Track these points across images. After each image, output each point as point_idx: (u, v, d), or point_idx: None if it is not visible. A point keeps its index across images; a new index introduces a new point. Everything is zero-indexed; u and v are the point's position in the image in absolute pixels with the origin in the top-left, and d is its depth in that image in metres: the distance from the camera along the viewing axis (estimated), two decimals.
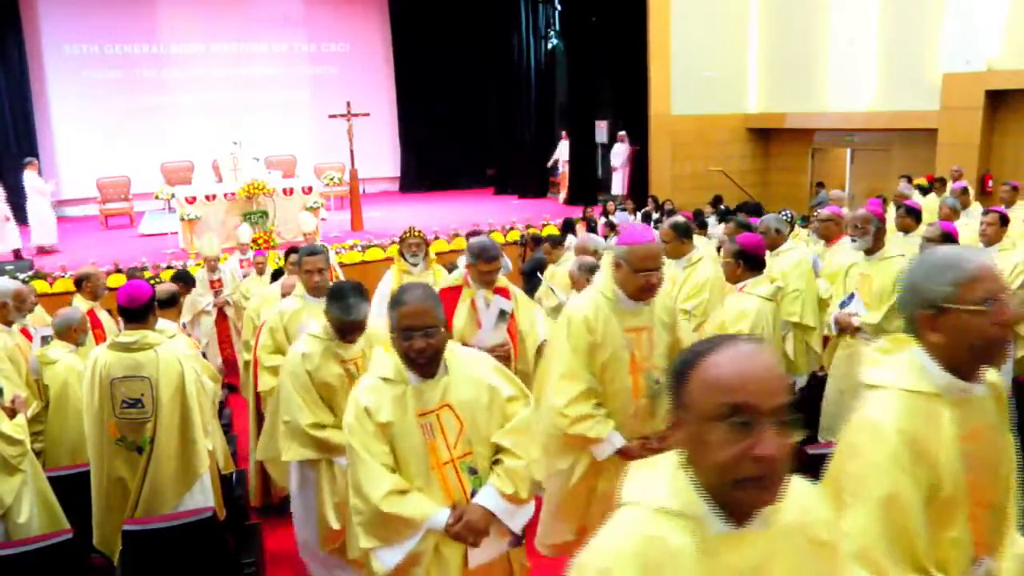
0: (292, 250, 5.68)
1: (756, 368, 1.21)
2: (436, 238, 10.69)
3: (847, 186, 13.58)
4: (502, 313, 3.86)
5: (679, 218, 5.12)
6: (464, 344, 3.34)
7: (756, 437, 1.18)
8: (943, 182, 9.69)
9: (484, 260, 3.91)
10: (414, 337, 2.28)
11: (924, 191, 9.69)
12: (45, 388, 4.25)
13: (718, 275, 4.54)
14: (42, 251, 11.27)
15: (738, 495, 1.21)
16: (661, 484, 1.31)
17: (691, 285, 4.69)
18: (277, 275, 5.89)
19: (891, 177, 11.46)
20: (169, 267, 9.84)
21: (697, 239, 6.18)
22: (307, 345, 3.24)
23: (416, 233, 5.22)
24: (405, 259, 5.17)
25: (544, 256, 7.37)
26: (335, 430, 3.18)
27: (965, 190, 8.12)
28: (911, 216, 6.03)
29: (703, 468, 1.24)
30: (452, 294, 3.99)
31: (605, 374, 3.01)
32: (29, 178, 11.14)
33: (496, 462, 2.42)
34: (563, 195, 15.20)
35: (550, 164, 15.71)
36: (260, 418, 4.40)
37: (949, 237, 4.68)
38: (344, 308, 3.15)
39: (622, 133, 14.35)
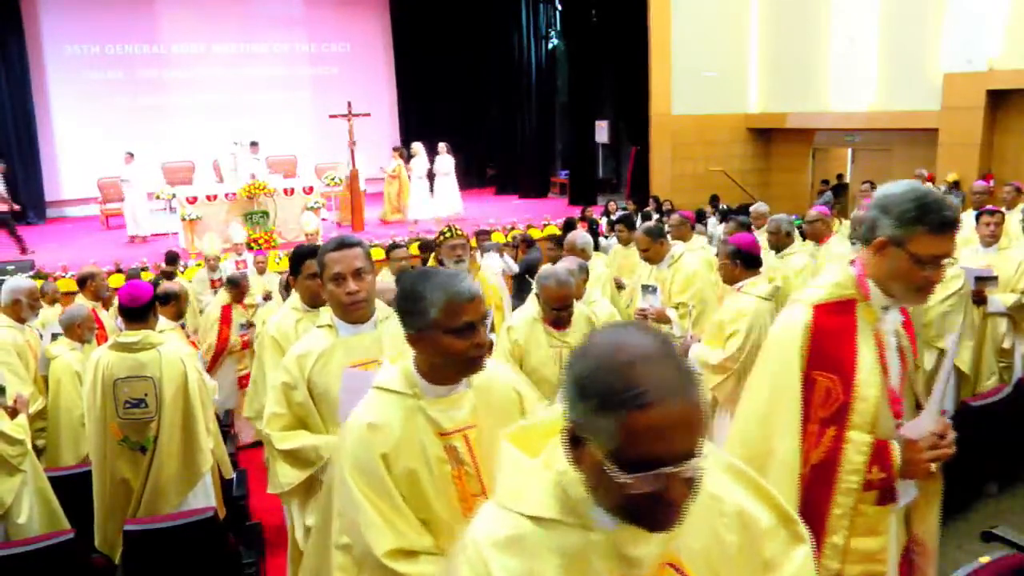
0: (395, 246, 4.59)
1: None
2: None
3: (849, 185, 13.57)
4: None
5: (650, 223, 5.32)
6: (880, 438, 1.80)
7: None
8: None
9: (934, 229, 1.72)
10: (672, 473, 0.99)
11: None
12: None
13: (707, 268, 4.61)
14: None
15: None
16: None
17: (681, 278, 4.79)
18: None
19: (893, 177, 11.42)
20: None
21: (697, 237, 6.35)
22: (376, 409, 1.75)
23: (458, 232, 3.96)
24: (444, 267, 3.57)
25: (539, 257, 7.36)
26: (432, 560, 1.70)
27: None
28: None
29: None
30: (836, 317, 1.86)
31: None
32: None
33: None
34: (386, 210, 13.55)
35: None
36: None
37: None
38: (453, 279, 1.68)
39: (443, 144, 13.09)
